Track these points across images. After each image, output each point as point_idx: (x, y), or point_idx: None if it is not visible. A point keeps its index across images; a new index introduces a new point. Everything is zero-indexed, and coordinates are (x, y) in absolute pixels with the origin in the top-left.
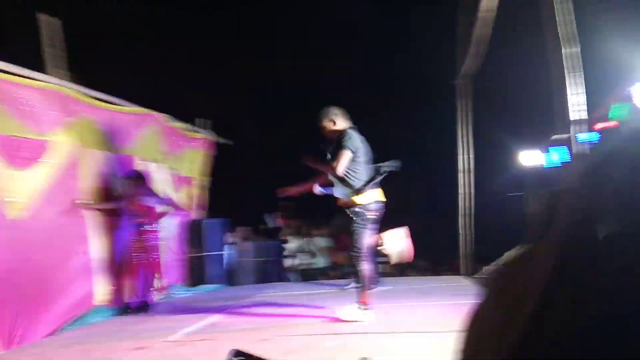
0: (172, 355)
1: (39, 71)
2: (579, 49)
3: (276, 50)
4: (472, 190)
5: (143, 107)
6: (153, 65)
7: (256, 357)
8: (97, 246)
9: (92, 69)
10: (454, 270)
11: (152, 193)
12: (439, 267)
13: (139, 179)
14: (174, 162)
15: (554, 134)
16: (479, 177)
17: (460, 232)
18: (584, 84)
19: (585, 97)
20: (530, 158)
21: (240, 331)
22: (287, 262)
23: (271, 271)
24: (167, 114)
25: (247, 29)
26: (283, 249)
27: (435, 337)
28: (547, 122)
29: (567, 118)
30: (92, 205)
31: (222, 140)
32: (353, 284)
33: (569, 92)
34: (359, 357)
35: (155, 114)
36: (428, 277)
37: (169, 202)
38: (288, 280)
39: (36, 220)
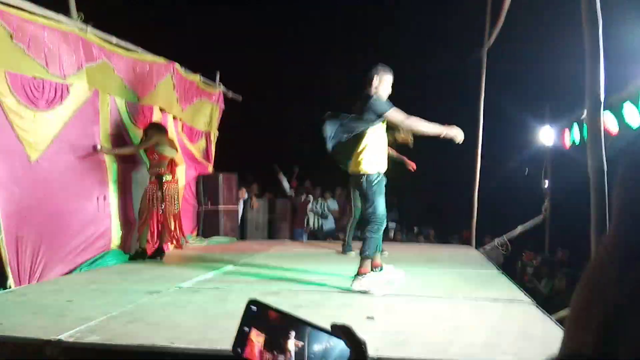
0: (183, 301)
1: (63, 14)
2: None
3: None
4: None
5: (161, 55)
6: (165, 15)
7: (272, 307)
8: (116, 191)
9: (105, 13)
10: (463, 241)
11: (171, 144)
12: (450, 236)
13: (160, 129)
14: (190, 114)
15: (581, 113)
16: (498, 153)
17: (475, 204)
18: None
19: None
20: (549, 136)
21: (250, 283)
22: (298, 221)
23: (281, 228)
24: (183, 64)
25: None
26: (295, 207)
27: (437, 302)
28: (567, 99)
29: (596, 96)
30: (112, 151)
31: (231, 95)
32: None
33: (601, 68)
34: (364, 315)
35: (173, 63)
36: (437, 245)
37: (187, 154)
38: (298, 238)
39: (56, 162)
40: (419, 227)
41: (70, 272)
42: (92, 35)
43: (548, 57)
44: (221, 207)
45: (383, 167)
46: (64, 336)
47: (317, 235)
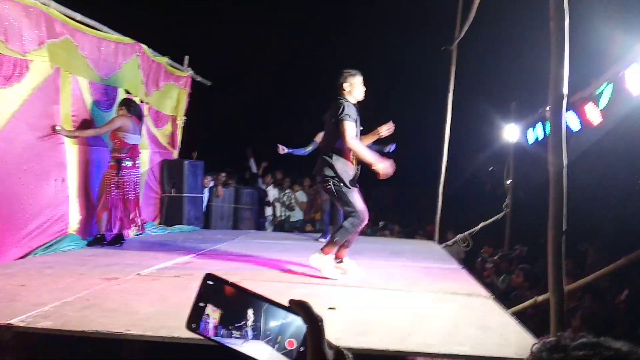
0: (142, 288)
1: None
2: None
3: None
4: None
5: (127, 36)
6: None
7: (229, 282)
8: (75, 174)
9: None
10: (427, 236)
11: (136, 128)
12: (414, 232)
13: (130, 109)
14: (157, 98)
15: (544, 109)
16: (463, 149)
17: (439, 199)
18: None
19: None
20: (514, 133)
21: (212, 272)
22: (265, 212)
23: (247, 218)
24: (150, 46)
25: None
26: (262, 197)
27: (398, 294)
28: (533, 97)
29: (559, 93)
30: (72, 133)
31: (200, 79)
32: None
33: (566, 65)
34: (326, 306)
35: (139, 44)
36: (402, 239)
37: (151, 139)
38: (263, 229)
39: (12, 142)
40: (385, 221)
41: (24, 256)
42: (56, 10)
43: (516, 53)
44: (185, 194)
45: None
46: (16, 320)
47: (283, 226)
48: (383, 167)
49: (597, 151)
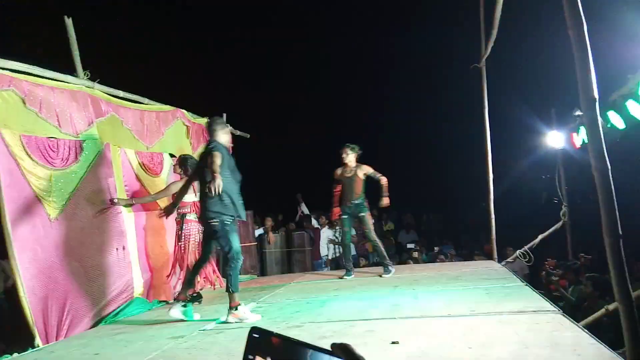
0: (208, 343)
1: (70, 74)
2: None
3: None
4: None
5: (166, 104)
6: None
7: (274, 333)
8: (134, 240)
9: (110, 68)
10: (486, 256)
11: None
12: (471, 253)
13: (185, 172)
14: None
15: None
16: (507, 161)
17: (492, 216)
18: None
19: (594, 75)
20: (559, 139)
21: (273, 319)
22: (320, 252)
23: (300, 260)
24: (189, 110)
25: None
26: (312, 238)
27: (462, 320)
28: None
29: (590, 97)
30: (130, 201)
31: (239, 133)
32: (387, 271)
33: (591, 69)
34: (389, 340)
35: (180, 110)
36: (459, 262)
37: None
38: (318, 269)
39: (75, 219)
40: (440, 245)
41: (96, 324)
42: (99, 91)
43: (548, 60)
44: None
45: (238, 209)
46: None
47: (338, 263)
48: (215, 184)
49: None
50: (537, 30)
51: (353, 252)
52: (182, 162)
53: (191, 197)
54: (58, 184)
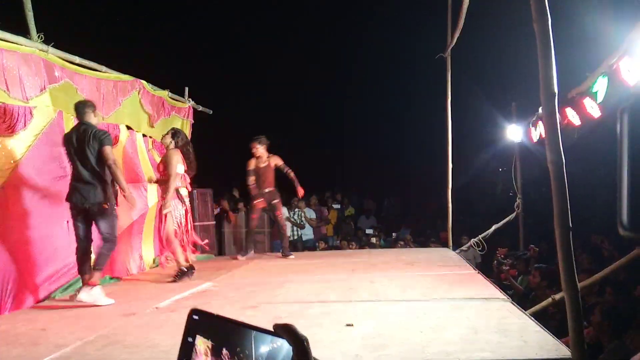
0: (160, 321)
1: (22, 35)
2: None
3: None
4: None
5: (125, 74)
6: (129, 32)
7: (214, 314)
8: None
9: (67, 33)
10: (441, 243)
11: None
12: (427, 240)
13: (176, 144)
14: (160, 130)
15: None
16: (467, 152)
17: (449, 205)
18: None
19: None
20: (517, 132)
21: (228, 299)
22: (275, 233)
23: (260, 241)
24: (149, 81)
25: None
26: (272, 220)
27: (416, 305)
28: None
29: (550, 91)
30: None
31: (201, 109)
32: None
33: (553, 65)
34: (344, 323)
35: (139, 81)
36: (416, 249)
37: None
38: (277, 251)
39: (22, 188)
40: (397, 232)
41: (44, 299)
42: (54, 56)
43: (513, 54)
44: (197, 223)
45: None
46: None
47: (296, 246)
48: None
49: (600, 142)
50: (502, 23)
51: (311, 236)
52: (175, 134)
53: (181, 169)
54: (4, 151)
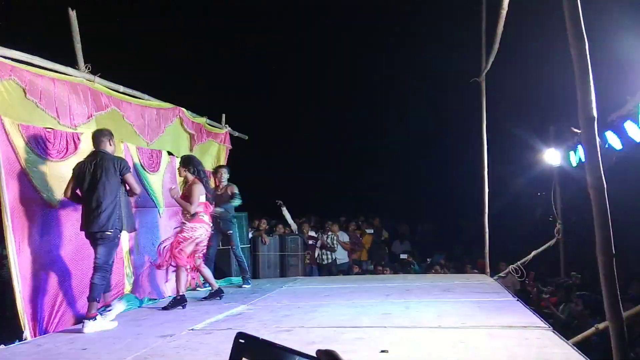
0: (196, 343)
1: (70, 66)
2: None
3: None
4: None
5: (166, 101)
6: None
7: (259, 338)
8: (126, 237)
9: (112, 63)
10: (479, 269)
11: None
12: (464, 266)
13: (199, 177)
14: (198, 156)
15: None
16: (504, 176)
17: (486, 230)
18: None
19: (594, 94)
20: (556, 156)
21: (263, 322)
22: (310, 257)
23: (294, 264)
24: (188, 108)
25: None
26: (305, 243)
27: (452, 332)
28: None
29: (589, 115)
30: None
31: (237, 134)
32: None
33: (591, 88)
34: (378, 349)
35: (179, 108)
36: (452, 275)
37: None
38: (310, 274)
39: (72, 211)
40: (432, 257)
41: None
42: (100, 85)
43: (550, 77)
44: (230, 246)
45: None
46: None
47: (331, 269)
48: None
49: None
50: (538, 47)
51: (345, 259)
52: (185, 162)
53: (202, 197)
54: (55, 174)
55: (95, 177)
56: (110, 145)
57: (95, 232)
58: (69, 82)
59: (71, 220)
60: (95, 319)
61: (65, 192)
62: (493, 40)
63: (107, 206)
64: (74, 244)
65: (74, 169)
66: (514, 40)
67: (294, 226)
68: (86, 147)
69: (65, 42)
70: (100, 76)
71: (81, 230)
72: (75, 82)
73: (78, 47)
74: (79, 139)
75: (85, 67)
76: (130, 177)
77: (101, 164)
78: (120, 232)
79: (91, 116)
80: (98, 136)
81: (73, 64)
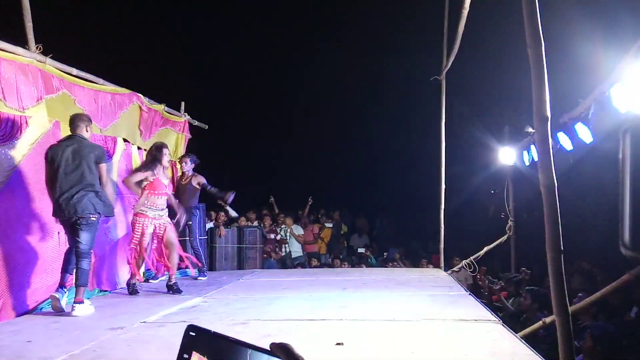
0: (148, 336)
1: (20, 46)
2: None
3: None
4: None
5: (123, 87)
6: (127, 45)
7: (211, 331)
8: None
9: (65, 45)
10: (434, 264)
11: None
12: (420, 260)
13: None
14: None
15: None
16: (461, 174)
17: (442, 226)
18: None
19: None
20: (510, 155)
21: (218, 314)
22: (267, 250)
23: (252, 257)
24: (146, 95)
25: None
26: (264, 236)
27: (407, 325)
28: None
29: (543, 115)
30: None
31: (197, 123)
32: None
33: (546, 89)
34: (334, 342)
35: (136, 94)
36: (407, 269)
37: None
38: (269, 267)
39: (15, 197)
40: (389, 251)
41: (30, 311)
42: (52, 66)
43: (507, 78)
44: (188, 237)
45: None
46: None
47: (285, 262)
48: None
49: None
50: (497, 47)
51: (300, 253)
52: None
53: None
54: None
55: (75, 163)
56: (87, 131)
57: (78, 217)
58: (18, 62)
59: (12, 209)
60: (83, 302)
61: (46, 182)
62: (454, 39)
63: (90, 191)
64: (16, 233)
65: (46, 154)
66: (474, 40)
67: (233, 214)
68: (34, 131)
69: (15, 20)
70: (52, 57)
71: (54, 216)
72: (25, 63)
73: (29, 25)
74: (26, 122)
75: (37, 48)
76: (103, 168)
77: (80, 150)
78: (101, 216)
79: (41, 99)
80: (76, 120)
81: (23, 44)
